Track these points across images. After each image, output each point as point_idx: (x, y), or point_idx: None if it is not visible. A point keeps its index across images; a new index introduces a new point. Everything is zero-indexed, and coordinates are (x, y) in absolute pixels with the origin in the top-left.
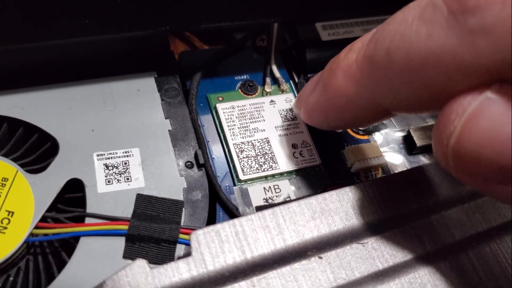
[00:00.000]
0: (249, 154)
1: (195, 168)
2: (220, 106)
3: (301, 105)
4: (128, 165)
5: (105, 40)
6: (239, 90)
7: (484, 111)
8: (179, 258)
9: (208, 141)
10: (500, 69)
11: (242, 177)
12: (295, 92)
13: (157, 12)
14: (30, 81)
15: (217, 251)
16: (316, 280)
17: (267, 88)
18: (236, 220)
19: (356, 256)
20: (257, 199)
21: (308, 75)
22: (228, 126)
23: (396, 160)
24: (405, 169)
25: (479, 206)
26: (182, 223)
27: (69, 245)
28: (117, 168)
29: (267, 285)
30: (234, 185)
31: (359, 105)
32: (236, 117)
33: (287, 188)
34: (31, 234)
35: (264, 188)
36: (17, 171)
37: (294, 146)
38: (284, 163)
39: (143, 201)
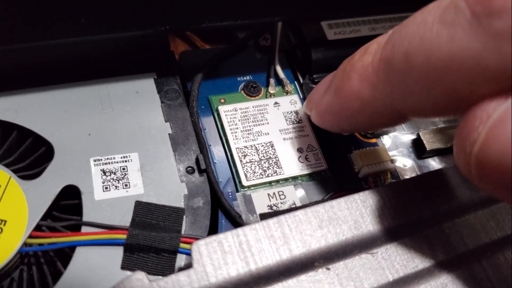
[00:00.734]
0: (252, 159)
1: (196, 174)
2: (222, 109)
3: (312, 107)
4: (127, 171)
5: (103, 40)
6: (242, 91)
7: (510, 117)
8: (180, 269)
9: (210, 145)
10: None
11: (245, 183)
12: (300, 93)
13: (157, 11)
14: (24, 83)
15: (220, 262)
16: None
17: (271, 90)
18: (239, 230)
19: (365, 267)
20: (261, 206)
21: (314, 76)
22: (230, 129)
23: (406, 164)
24: (414, 174)
25: (493, 213)
26: (183, 232)
27: (64, 255)
28: (115, 174)
29: None
30: (237, 191)
31: (374, 109)
32: (239, 120)
33: (292, 194)
34: (25, 244)
35: (268, 194)
36: (10, 177)
37: (299, 150)
38: (289, 168)
39: (142, 208)
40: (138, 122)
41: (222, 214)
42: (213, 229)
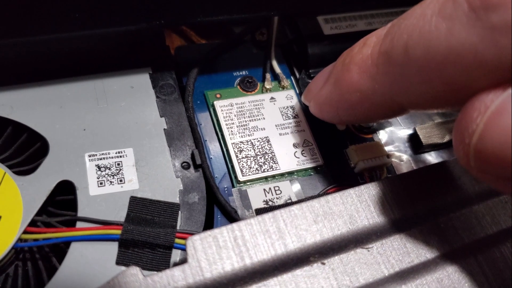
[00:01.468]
0: (248, 154)
1: (191, 169)
2: (218, 104)
3: (311, 98)
4: (121, 166)
5: (97, 35)
6: (238, 86)
7: (508, 108)
8: (175, 264)
9: (206, 141)
10: None
11: (241, 178)
12: (296, 88)
13: (152, 5)
14: (19, 78)
15: (215, 257)
16: (318, 287)
17: (267, 85)
18: (234, 225)
19: (360, 262)
20: (256, 201)
21: (310, 71)
22: (226, 124)
23: (402, 159)
24: (411, 169)
25: (488, 208)
26: (178, 227)
27: (59, 250)
28: (109, 169)
29: None
30: (233, 186)
31: (373, 101)
32: (235, 115)
33: (288, 189)
34: (20, 239)
35: (264, 189)
36: (5, 173)
37: (295, 145)
38: (285, 163)
39: (137, 204)
40: (133, 117)
41: (218, 209)
42: (209, 225)
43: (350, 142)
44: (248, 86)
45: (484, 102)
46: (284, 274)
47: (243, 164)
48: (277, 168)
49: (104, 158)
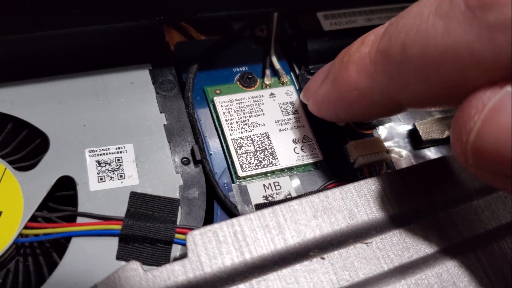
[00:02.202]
0: (248, 150)
1: (191, 165)
2: (218, 100)
3: (310, 96)
4: (122, 162)
5: (97, 31)
6: (238, 82)
7: (505, 105)
8: (175, 259)
9: (205, 136)
10: None
11: (240, 173)
12: (295, 84)
13: (151, 1)
14: (19, 75)
15: (215, 252)
16: (318, 282)
17: (267, 81)
18: (234, 220)
19: (360, 257)
20: (256, 196)
21: (310, 67)
22: (226, 120)
23: (401, 155)
24: (410, 164)
25: (488, 203)
26: (178, 222)
27: (60, 245)
28: (110, 165)
29: None
30: (233, 182)
31: (371, 99)
32: (235, 111)
33: (288, 185)
34: (21, 235)
35: (264, 185)
36: (5, 168)
37: (295, 141)
38: (284, 159)
39: (137, 199)
40: (133, 113)
41: (218, 205)
42: (209, 220)
43: (349, 138)
44: (247, 82)
45: (481, 99)
46: (283, 269)
47: (242, 160)
48: (277, 164)
49: (104, 154)
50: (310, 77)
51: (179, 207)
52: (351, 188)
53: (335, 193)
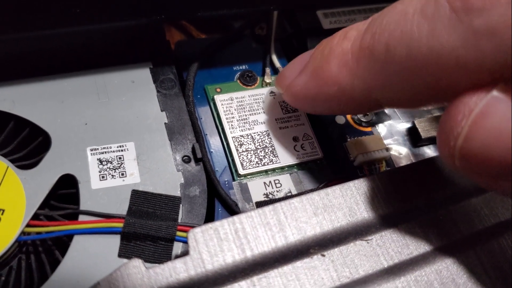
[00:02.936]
0: (248, 148)
1: (192, 163)
2: (218, 98)
3: (285, 86)
4: (123, 160)
5: (98, 30)
6: (238, 81)
7: (492, 110)
8: (177, 256)
9: (206, 134)
10: (504, 71)
11: (241, 171)
12: None
13: (152, 0)
14: (20, 74)
15: (216, 249)
16: (318, 279)
17: (267, 79)
18: (235, 217)
19: (360, 254)
20: (257, 194)
21: None
22: (226, 118)
23: (401, 152)
24: (410, 162)
25: (487, 200)
26: (179, 220)
27: (62, 243)
28: (111, 163)
29: (268, 285)
30: (233, 180)
31: (351, 96)
32: (235, 109)
33: (288, 182)
34: (23, 233)
35: (264, 183)
36: (7, 167)
37: (295, 139)
38: (285, 157)
39: (138, 197)
40: (134, 112)
41: (219, 202)
42: (210, 218)
43: (349, 136)
44: (248, 81)
45: (468, 105)
46: (284, 265)
47: (243, 158)
48: (277, 162)
49: (105, 152)
50: None
51: (180, 205)
52: (351, 186)
53: (335, 191)
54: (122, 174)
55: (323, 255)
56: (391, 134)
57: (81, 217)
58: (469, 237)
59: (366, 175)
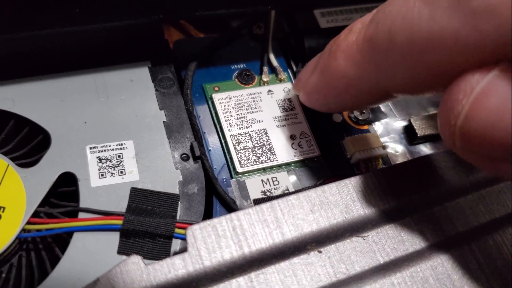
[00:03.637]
0: (246, 146)
1: (191, 161)
2: (216, 96)
3: (300, 88)
4: (122, 158)
5: (97, 30)
6: (236, 79)
7: (493, 89)
8: (175, 253)
9: (204, 133)
10: (504, 50)
11: (239, 169)
12: (293, 81)
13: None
14: (21, 73)
15: (214, 246)
16: (315, 275)
17: (265, 78)
18: (233, 214)
19: (356, 250)
20: (255, 192)
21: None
22: (224, 117)
23: (397, 150)
24: (406, 159)
25: (482, 197)
26: (178, 217)
27: (62, 240)
28: (110, 161)
29: (265, 281)
30: (231, 177)
31: (360, 87)
32: (233, 108)
33: (286, 180)
34: (23, 230)
35: (262, 180)
36: (8, 165)
37: (292, 137)
38: (282, 155)
39: (137, 195)
40: (133, 110)
41: (217, 200)
42: (208, 215)
43: (346, 134)
44: (245, 79)
45: (469, 83)
46: (282, 262)
47: (241, 156)
48: (275, 160)
49: (105, 150)
50: None
51: (179, 202)
52: (348, 183)
53: (332, 188)
54: (121, 172)
55: (320, 252)
56: (388, 132)
57: (81, 215)
58: (464, 233)
59: (363, 172)
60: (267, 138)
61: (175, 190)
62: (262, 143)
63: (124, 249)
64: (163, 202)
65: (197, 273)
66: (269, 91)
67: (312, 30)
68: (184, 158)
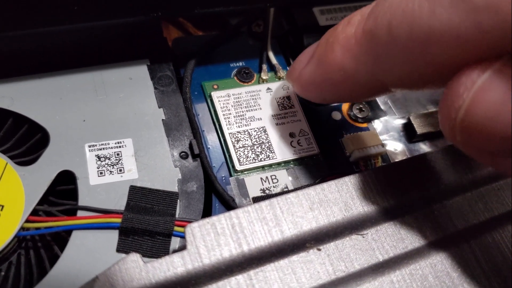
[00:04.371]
0: (245, 144)
1: (190, 159)
2: (215, 94)
3: (295, 78)
4: (121, 156)
5: (96, 27)
6: (235, 77)
7: (494, 84)
8: (174, 251)
9: (203, 131)
10: (505, 45)
11: (238, 167)
12: None
13: None
14: (19, 71)
15: (213, 244)
16: (314, 273)
17: (264, 76)
18: (232, 212)
19: (355, 248)
20: (254, 189)
21: None
22: (223, 115)
23: (396, 148)
24: (405, 157)
25: (481, 195)
26: (177, 215)
27: (61, 238)
28: (109, 159)
29: (264, 278)
30: (230, 175)
31: (357, 80)
32: (232, 106)
33: (285, 178)
34: (22, 228)
35: (261, 178)
36: (6, 163)
37: (291, 135)
38: (281, 153)
39: (136, 193)
40: (132, 108)
41: (216, 198)
42: (207, 213)
43: (345, 132)
44: (244, 77)
45: (470, 77)
46: (281, 260)
47: (240, 154)
48: (274, 157)
49: (103, 149)
50: None
51: (178, 200)
52: (347, 181)
53: (331, 186)
54: (120, 170)
55: (319, 249)
56: (387, 130)
57: (80, 213)
58: (463, 231)
59: (362, 170)
60: (266, 136)
61: (174, 188)
62: (261, 141)
63: (123, 247)
64: (162, 200)
65: (196, 271)
66: (268, 89)
67: (311, 28)
68: (183, 156)
